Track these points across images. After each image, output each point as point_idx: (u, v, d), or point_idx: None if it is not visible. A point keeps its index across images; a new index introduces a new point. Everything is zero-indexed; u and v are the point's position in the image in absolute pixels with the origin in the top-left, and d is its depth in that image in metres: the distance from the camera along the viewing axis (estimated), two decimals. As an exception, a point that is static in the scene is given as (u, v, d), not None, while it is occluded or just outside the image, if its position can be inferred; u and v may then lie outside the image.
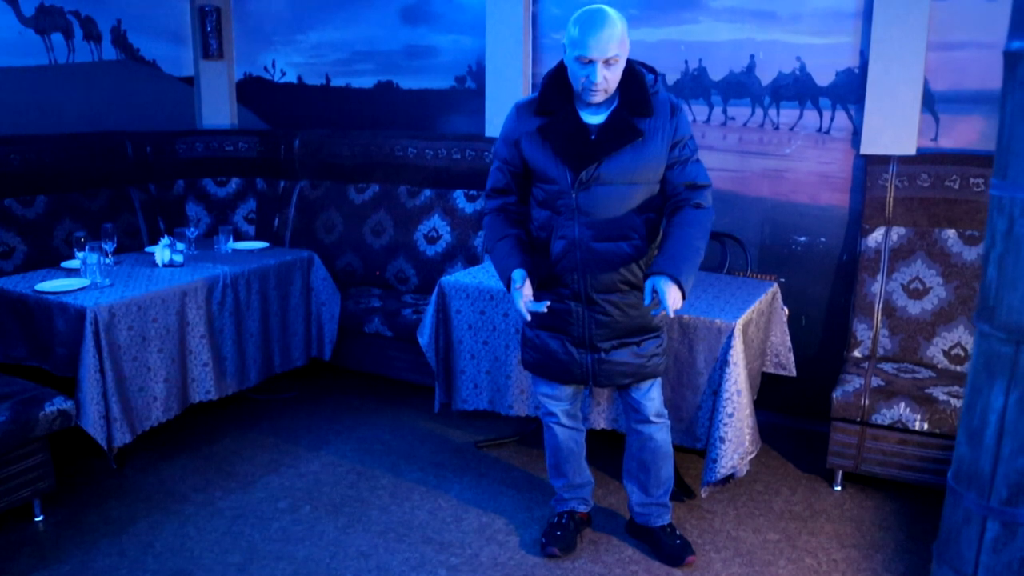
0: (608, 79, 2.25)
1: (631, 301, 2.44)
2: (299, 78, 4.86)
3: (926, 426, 2.92)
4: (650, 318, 2.49)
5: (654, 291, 2.27)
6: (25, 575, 2.58)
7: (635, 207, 2.39)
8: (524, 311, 2.34)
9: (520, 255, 2.42)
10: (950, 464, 0.92)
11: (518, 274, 2.37)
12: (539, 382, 2.68)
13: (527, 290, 2.36)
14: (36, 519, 2.91)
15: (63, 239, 3.94)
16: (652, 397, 2.61)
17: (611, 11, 2.25)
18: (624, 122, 2.33)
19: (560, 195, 2.37)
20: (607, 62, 2.22)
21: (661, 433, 2.65)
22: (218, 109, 5.03)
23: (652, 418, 2.62)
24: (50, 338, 3.14)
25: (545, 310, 2.36)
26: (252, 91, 5.03)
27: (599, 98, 2.30)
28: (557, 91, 2.36)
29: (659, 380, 2.63)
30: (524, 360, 2.67)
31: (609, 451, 3.42)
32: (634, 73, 2.35)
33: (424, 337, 3.29)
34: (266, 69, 4.95)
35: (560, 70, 2.37)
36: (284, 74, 4.91)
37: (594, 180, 2.33)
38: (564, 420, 2.70)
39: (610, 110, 2.35)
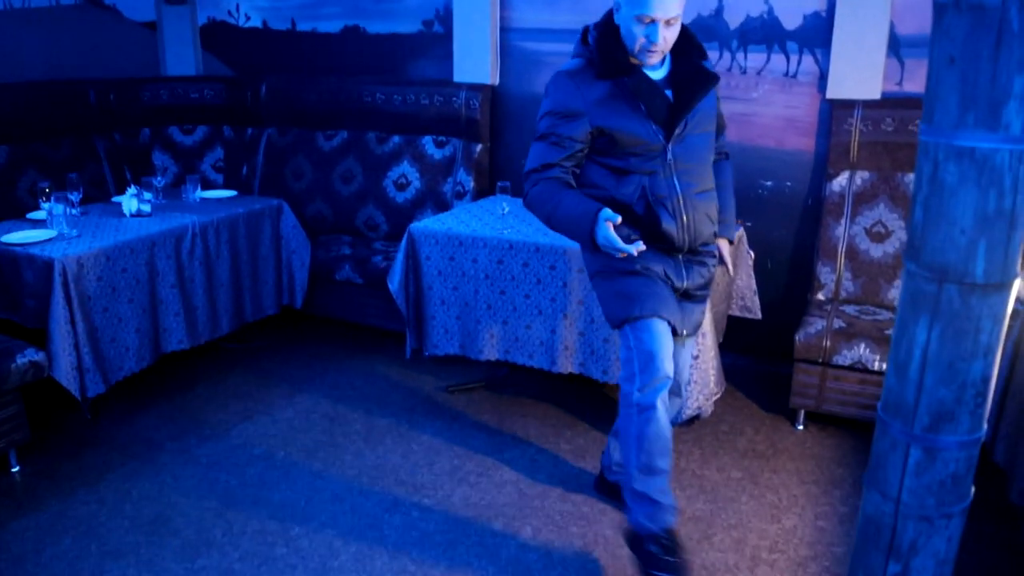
0: (667, 39, 2.18)
1: (714, 250, 2.45)
2: (264, 22, 4.77)
3: (884, 366, 3.00)
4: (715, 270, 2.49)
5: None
6: (3, 525, 2.62)
7: (711, 156, 2.40)
8: (625, 246, 2.12)
9: (595, 202, 2.22)
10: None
11: (608, 211, 2.15)
12: (647, 343, 2.27)
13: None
14: (12, 470, 2.93)
15: (27, 190, 3.88)
16: (685, 358, 2.51)
17: None
18: (698, 68, 2.28)
19: (653, 155, 2.26)
20: (668, 22, 2.15)
21: (673, 409, 2.55)
22: (182, 55, 4.93)
23: (683, 388, 2.55)
24: (19, 290, 3.12)
25: (643, 247, 2.16)
26: (216, 36, 4.93)
27: (656, 59, 2.23)
28: (619, 52, 2.23)
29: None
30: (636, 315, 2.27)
31: (577, 392, 3.50)
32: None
33: (394, 283, 3.32)
34: (230, 13, 4.85)
35: (609, 30, 2.25)
36: (249, 18, 4.81)
37: (685, 132, 2.27)
38: (666, 403, 2.31)
39: (664, 64, 2.30)
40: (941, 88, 0.81)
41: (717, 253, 2.48)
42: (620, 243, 2.13)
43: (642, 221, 2.28)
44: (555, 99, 2.28)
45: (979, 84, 0.78)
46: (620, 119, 2.23)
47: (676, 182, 2.27)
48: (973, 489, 0.97)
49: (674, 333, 2.33)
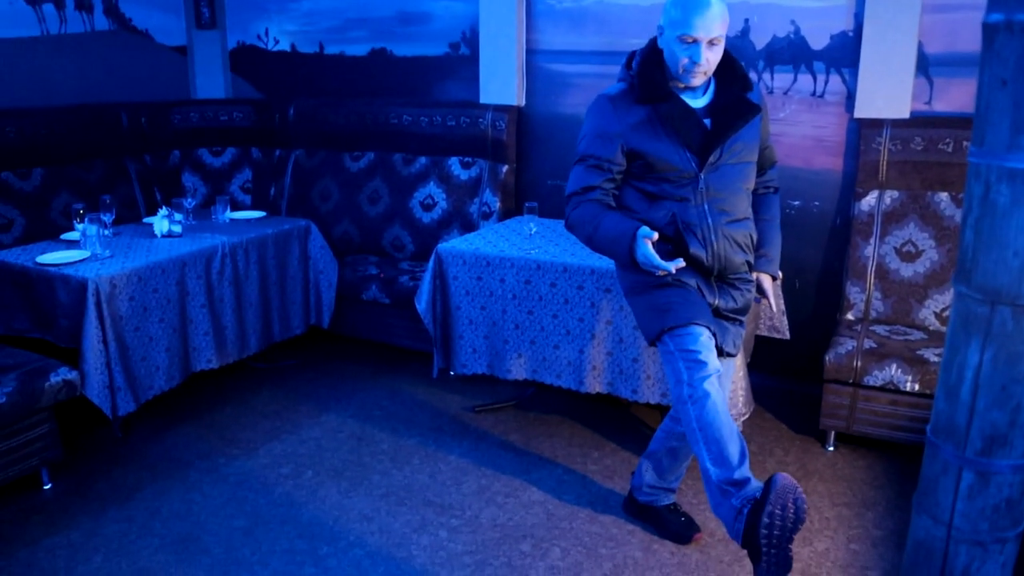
0: (710, 60, 2.19)
1: (747, 277, 2.43)
2: (292, 46, 4.84)
3: (917, 387, 2.97)
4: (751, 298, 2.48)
5: (759, 288, 2.49)
6: (35, 542, 2.64)
7: (747, 186, 2.38)
8: (664, 263, 2.14)
9: (634, 221, 2.24)
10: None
11: (646, 229, 2.16)
12: (688, 344, 2.23)
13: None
14: (44, 487, 2.96)
15: (61, 211, 3.95)
16: (726, 383, 2.46)
17: None
18: (740, 99, 2.28)
19: (685, 182, 2.27)
20: (711, 42, 2.16)
21: None
22: (212, 78, 5.00)
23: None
24: (52, 310, 3.17)
25: (682, 264, 2.18)
26: (245, 60, 5.01)
27: (699, 80, 2.24)
28: (660, 77, 2.26)
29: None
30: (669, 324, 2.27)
31: (604, 412, 3.49)
32: (726, 50, 2.27)
33: (422, 303, 3.33)
34: (259, 37, 4.92)
35: (653, 55, 2.28)
36: (277, 42, 4.88)
37: (720, 161, 2.27)
38: (719, 387, 2.23)
39: (707, 92, 2.31)
40: (992, 110, 0.81)
41: (755, 283, 2.47)
42: (658, 260, 2.15)
43: (671, 243, 2.29)
44: (594, 122, 2.32)
45: (1033, 105, 0.78)
46: (653, 144, 2.26)
47: (707, 210, 2.29)
48: (1026, 514, 0.96)
49: (719, 352, 2.32)
